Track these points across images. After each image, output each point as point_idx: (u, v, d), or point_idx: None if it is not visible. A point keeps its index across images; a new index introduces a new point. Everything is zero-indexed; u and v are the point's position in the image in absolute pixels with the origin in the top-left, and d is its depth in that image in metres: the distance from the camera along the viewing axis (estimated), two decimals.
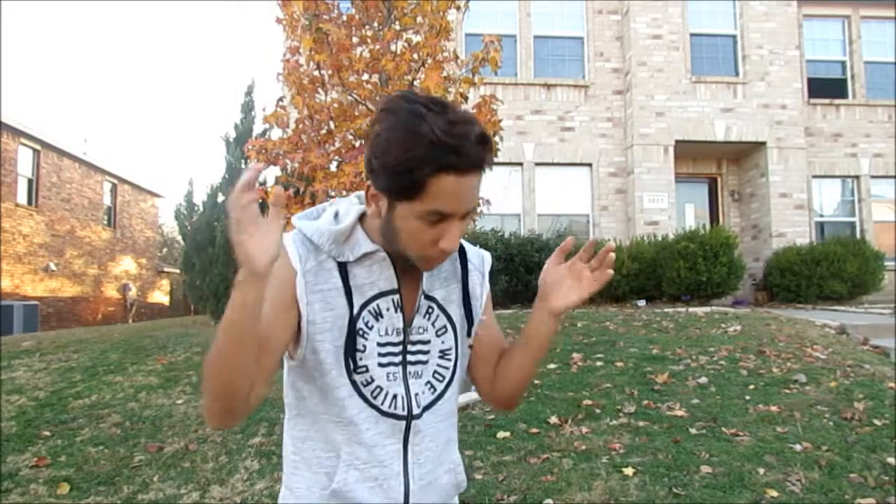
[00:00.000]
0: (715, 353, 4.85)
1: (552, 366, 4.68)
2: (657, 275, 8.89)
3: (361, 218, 1.02)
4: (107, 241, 18.40)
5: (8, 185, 13.82)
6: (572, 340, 5.49)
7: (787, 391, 3.96)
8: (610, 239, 9.32)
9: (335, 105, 4.41)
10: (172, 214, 11.00)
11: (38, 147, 14.99)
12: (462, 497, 2.63)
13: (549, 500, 2.61)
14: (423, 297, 1.05)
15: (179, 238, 17.67)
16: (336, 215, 1.03)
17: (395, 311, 1.01)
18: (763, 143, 10.31)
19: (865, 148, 11.09)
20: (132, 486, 2.90)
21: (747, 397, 3.86)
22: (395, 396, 1.01)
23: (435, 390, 1.05)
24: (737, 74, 10.53)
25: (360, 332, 0.99)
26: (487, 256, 1.16)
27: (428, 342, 1.05)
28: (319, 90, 4.51)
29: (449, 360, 1.07)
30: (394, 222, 0.93)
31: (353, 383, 0.99)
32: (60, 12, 56.07)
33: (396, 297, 1.01)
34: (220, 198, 8.37)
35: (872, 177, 11.07)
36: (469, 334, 1.11)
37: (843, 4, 11.35)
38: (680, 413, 3.61)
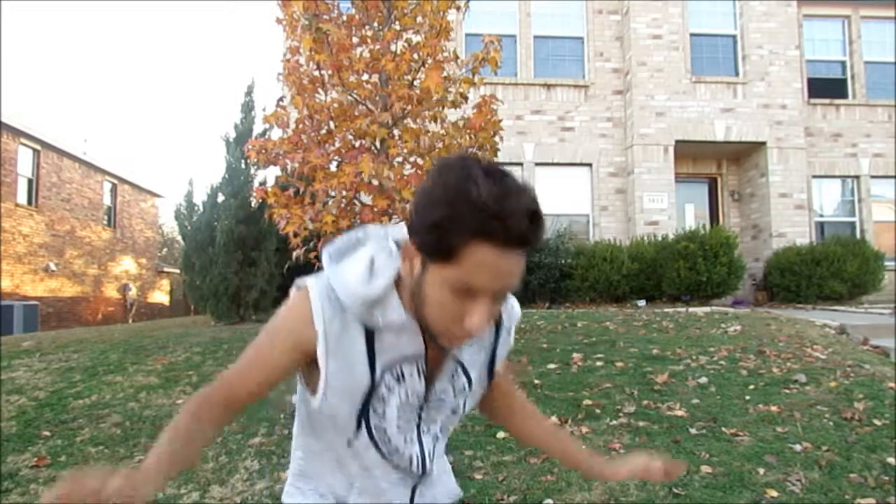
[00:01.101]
0: (715, 353, 4.85)
1: (552, 366, 4.68)
2: (657, 275, 8.89)
3: (397, 278, 0.93)
4: (107, 241, 18.40)
5: (8, 185, 13.83)
6: (572, 340, 5.49)
7: (787, 391, 3.96)
8: (610, 238, 9.32)
9: (335, 105, 4.41)
10: (172, 214, 11.00)
11: (38, 147, 14.99)
12: (462, 497, 2.63)
13: (549, 500, 2.61)
14: (451, 361, 1.02)
15: (179, 238, 17.66)
16: (371, 265, 0.93)
17: (419, 376, 0.99)
18: (763, 143, 10.32)
19: (865, 148, 11.10)
20: None
21: (747, 397, 3.86)
22: (410, 457, 1.03)
23: (439, 439, 1.09)
24: (737, 74, 10.53)
25: (381, 398, 0.97)
26: (516, 309, 1.12)
27: (443, 401, 1.04)
28: (319, 90, 4.51)
29: (457, 415, 1.08)
30: (424, 287, 0.86)
31: (371, 439, 1.00)
32: (60, 12, 56.09)
33: (422, 362, 0.98)
34: (220, 198, 8.36)
35: (872, 177, 11.07)
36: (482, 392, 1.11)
37: (843, 4, 11.35)
38: (680, 413, 3.61)
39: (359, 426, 0.98)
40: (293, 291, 0.98)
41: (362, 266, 0.92)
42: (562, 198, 10.43)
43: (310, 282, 0.95)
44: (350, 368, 0.94)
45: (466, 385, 1.05)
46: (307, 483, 1.08)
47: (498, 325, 1.07)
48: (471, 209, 0.77)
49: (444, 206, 0.79)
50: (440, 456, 1.12)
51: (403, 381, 0.98)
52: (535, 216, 0.80)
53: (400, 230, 0.98)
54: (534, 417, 1.22)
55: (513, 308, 1.10)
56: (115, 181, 18.95)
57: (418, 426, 1.03)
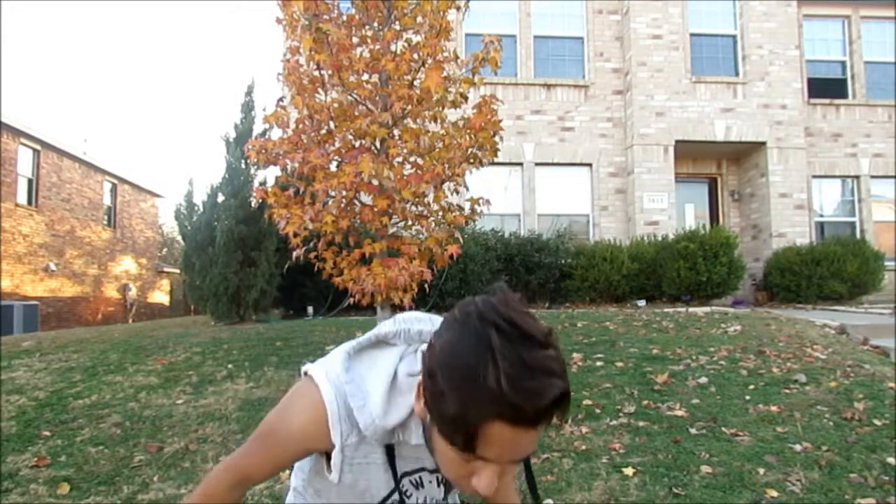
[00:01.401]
0: (715, 353, 4.85)
1: None
2: (657, 275, 8.89)
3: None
4: (107, 241, 18.40)
5: (8, 185, 13.82)
6: (572, 340, 5.49)
7: (787, 391, 3.96)
8: (610, 238, 9.33)
9: (335, 105, 4.41)
10: (172, 214, 11.00)
11: (38, 147, 14.99)
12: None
13: (550, 500, 2.61)
14: None
15: (179, 238, 17.66)
16: (393, 382, 0.88)
17: (437, 484, 0.99)
18: (763, 143, 10.32)
19: (865, 148, 11.10)
20: (132, 486, 2.90)
21: (747, 397, 3.86)
22: None
23: None
24: (737, 74, 10.53)
25: (400, 501, 0.96)
26: None
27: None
28: (319, 90, 4.50)
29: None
30: (433, 438, 0.80)
31: None
32: (60, 12, 56.09)
33: (440, 475, 0.96)
34: (220, 198, 8.36)
35: (872, 177, 11.07)
36: None
37: (843, 4, 11.35)
38: (680, 413, 3.60)
39: None
40: (303, 381, 0.93)
41: (382, 386, 0.87)
42: (562, 198, 10.43)
43: (323, 386, 0.88)
44: (368, 476, 0.92)
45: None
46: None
47: None
48: (487, 397, 0.70)
49: (457, 400, 0.72)
50: None
51: (422, 487, 0.97)
52: (560, 398, 0.73)
53: (433, 323, 0.94)
54: None
55: None
56: (115, 181, 18.95)
57: None
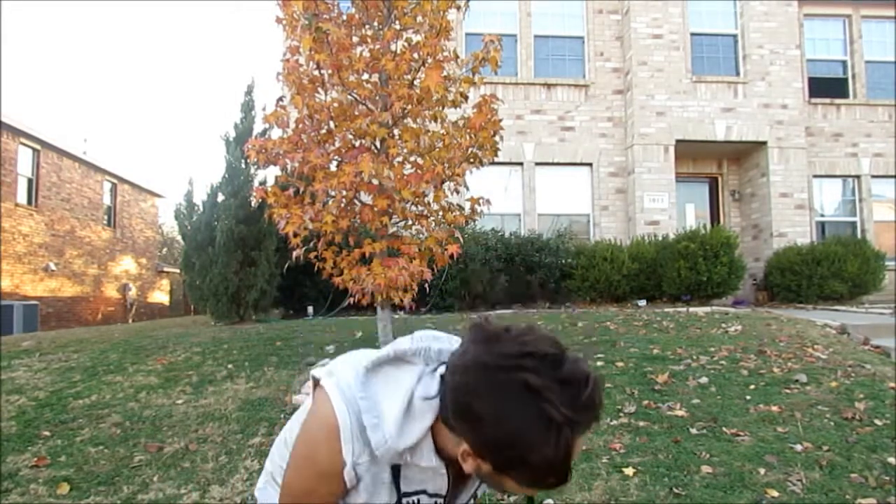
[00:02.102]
0: (715, 353, 4.85)
1: None
2: (657, 275, 8.88)
3: (434, 422, 0.90)
4: (107, 240, 18.40)
5: (8, 184, 13.82)
6: (572, 340, 5.48)
7: (788, 391, 3.95)
8: (610, 237, 9.33)
9: (335, 105, 4.40)
10: (172, 214, 11.00)
11: (37, 147, 14.99)
12: None
13: (550, 500, 2.60)
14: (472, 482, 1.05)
15: (179, 238, 17.66)
16: (409, 404, 0.89)
17: None
18: (763, 143, 10.31)
19: (866, 147, 11.09)
20: (132, 486, 2.90)
21: (748, 397, 3.85)
22: None
23: None
24: (737, 74, 10.53)
25: None
26: None
27: None
28: (319, 90, 4.49)
29: None
30: (500, 483, 0.87)
31: None
32: (60, 12, 56.09)
33: (441, 501, 1.01)
34: (220, 197, 8.36)
35: (873, 176, 11.07)
36: None
37: (844, 4, 11.34)
38: (680, 413, 3.60)
39: None
40: (317, 397, 0.94)
41: (398, 407, 0.88)
42: (562, 198, 10.43)
43: (335, 401, 0.89)
44: (372, 493, 0.95)
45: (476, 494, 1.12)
46: None
47: None
48: (541, 465, 0.78)
49: (540, 454, 0.77)
50: None
51: None
52: (600, 395, 0.82)
53: (451, 343, 0.96)
54: None
55: None
56: (115, 181, 18.95)
57: None
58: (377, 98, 4.51)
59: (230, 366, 4.91)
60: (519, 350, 0.78)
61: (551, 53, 10.78)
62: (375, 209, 4.33)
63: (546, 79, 10.52)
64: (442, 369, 0.88)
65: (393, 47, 4.48)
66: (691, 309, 7.36)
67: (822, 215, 11.22)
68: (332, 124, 4.48)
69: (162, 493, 2.83)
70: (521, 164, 10.31)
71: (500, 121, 4.61)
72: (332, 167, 4.45)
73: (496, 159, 4.82)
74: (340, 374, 0.92)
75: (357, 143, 4.48)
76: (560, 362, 0.79)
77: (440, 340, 0.96)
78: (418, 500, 0.99)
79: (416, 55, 4.35)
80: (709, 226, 9.44)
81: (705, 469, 2.85)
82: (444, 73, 4.31)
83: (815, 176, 10.99)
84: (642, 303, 8.79)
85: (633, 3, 10.37)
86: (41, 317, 14.16)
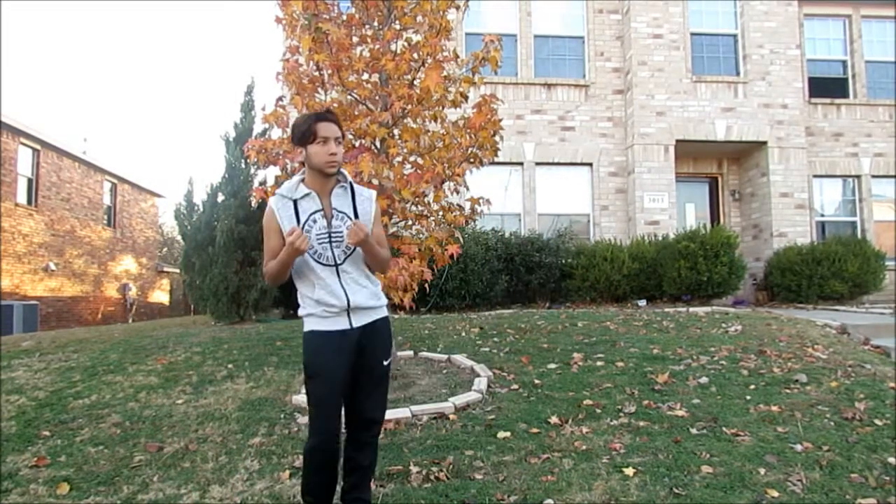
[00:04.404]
0: (715, 353, 4.85)
1: (552, 366, 4.68)
2: (658, 275, 8.88)
3: (302, 178, 2.27)
4: (107, 240, 18.40)
5: (8, 184, 13.82)
6: (573, 340, 5.48)
7: (788, 391, 3.96)
8: (610, 237, 9.34)
9: (335, 105, 4.40)
10: (172, 214, 11.00)
11: (37, 147, 14.99)
12: (462, 497, 2.62)
13: (550, 500, 2.60)
14: (335, 210, 2.24)
15: (179, 238, 17.65)
16: (293, 178, 2.30)
17: (322, 218, 2.22)
18: (764, 143, 10.31)
19: (866, 147, 11.09)
20: (132, 486, 2.90)
21: (748, 397, 3.85)
22: (328, 257, 2.21)
23: (345, 252, 2.23)
24: (737, 74, 10.53)
25: (306, 231, 2.18)
26: (367, 192, 2.35)
27: (340, 231, 2.22)
28: (319, 90, 4.49)
29: (344, 235, 2.24)
30: (308, 156, 2.22)
31: (312, 256, 2.20)
32: (60, 12, 56.10)
33: (321, 212, 2.22)
34: (220, 197, 8.36)
35: (873, 176, 11.07)
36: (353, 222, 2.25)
37: (844, 4, 11.34)
38: (680, 413, 3.60)
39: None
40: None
41: (294, 179, 2.28)
42: (562, 197, 10.43)
43: (271, 199, 2.27)
44: (289, 221, 2.20)
45: (348, 219, 2.23)
46: (304, 299, 2.27)
47: (353, 190, 2.30)
48: (310, 119, 2.23)
49: (299, 127, 2.23)
50: (355, 264, 2.27)
51: (316, 223, 2.21)
52: (329, 111, 2.34)
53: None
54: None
55: (364, 190, 2.35)
56: (115, 181, 18.95)
57: (331, 244, 2.21)
58: (377, 98, 4.50)
59: (230, 366, 4.91)
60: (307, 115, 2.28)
61: (551, 53, 10.77)
62: None
63: (546, 79, 10.51)
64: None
65: (393, 47, 4.48)
66: (691, 309, 7.36)
67: (823, 215, 11.22)
68: None
69: (162, 493, 2.83)
70: (521, 164, 10.31)
71: (500, 121, 4.61)
72: None
73: (496, 159, 4.82)
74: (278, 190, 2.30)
75: (357, 143, 4.48)
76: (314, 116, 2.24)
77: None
78: (315, 218, 2.20)
79: (415, 55, 4.35)
80: (709, 226, 9.44)
81: (705, 469, 2.85)
82: (444, 73, 4.31)
83: (816, 176, 10.99)
84: (642, 303, 8.79)
85: (634, 3, 10.37)
86: (41, 317, 14.17)
